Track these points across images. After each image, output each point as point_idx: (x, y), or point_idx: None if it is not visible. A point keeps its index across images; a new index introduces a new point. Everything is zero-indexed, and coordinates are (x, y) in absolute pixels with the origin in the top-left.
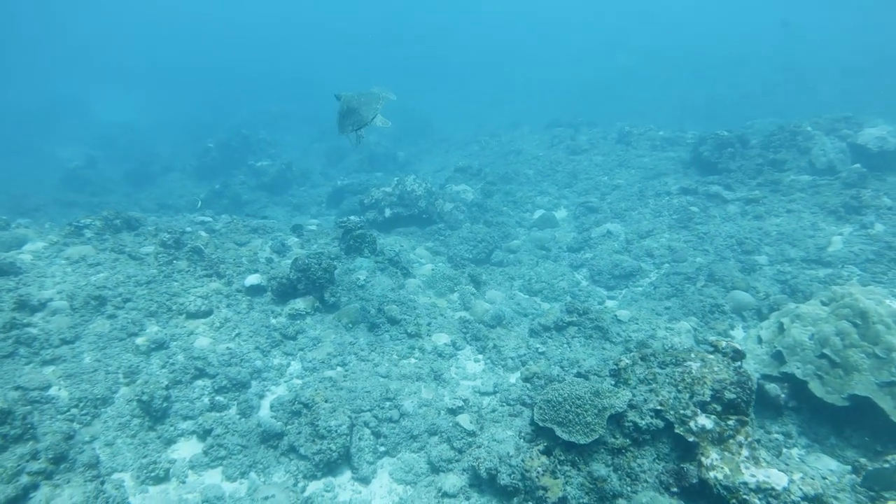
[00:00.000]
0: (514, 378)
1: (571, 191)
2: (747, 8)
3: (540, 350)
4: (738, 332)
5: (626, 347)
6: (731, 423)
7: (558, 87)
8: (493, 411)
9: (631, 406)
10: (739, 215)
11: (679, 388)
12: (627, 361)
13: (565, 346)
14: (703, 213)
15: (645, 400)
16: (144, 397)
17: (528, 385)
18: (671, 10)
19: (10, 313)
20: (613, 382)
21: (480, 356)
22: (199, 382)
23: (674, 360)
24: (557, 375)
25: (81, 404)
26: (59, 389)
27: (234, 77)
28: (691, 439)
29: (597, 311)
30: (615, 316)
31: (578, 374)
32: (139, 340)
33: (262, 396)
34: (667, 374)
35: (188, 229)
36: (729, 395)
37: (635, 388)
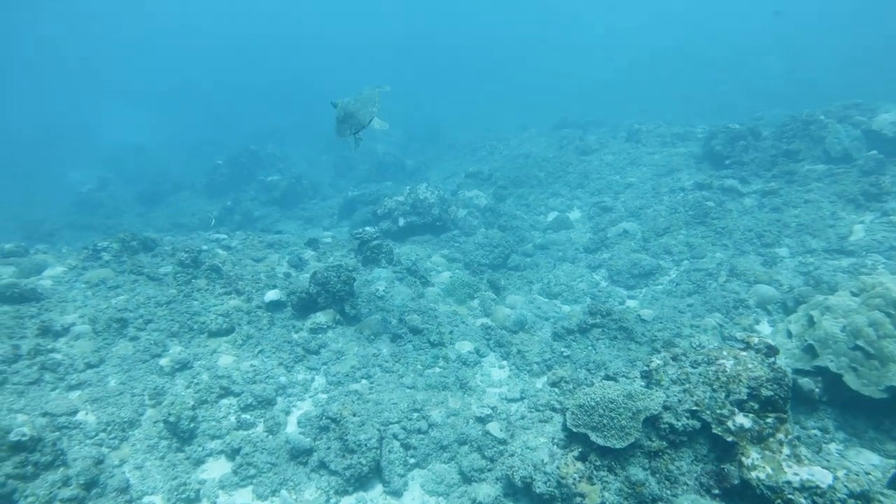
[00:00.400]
0: (540, 383)
1: (584, 191)
2: (746, 4)
3: (565, 353)
4: (763, 327)
5: (652, 347)
6: (769, 420)
7: (560, 87)
8: (523, 418)
9: (665, 407)
10: (756, 208)
11: (714, 387)
12: (658, 362)
13: (590, 348)
14: (720, 208)
15: (679, 401)
16: (171, 418)
17: (556, 390)
18: (671, 9)
19: (34, 339)
20: (644, 384)
21: (505, 362)
22: (225, 401)
23: (706, 359)
24: (585, 379)
25: (109, 428)
26: (87, 414)
27: (237, 91)
28: (730, 439)
29: (620, 312)
30: (639, 315)
31: (607, 377)
32: (163, 361)
33: (288, 413)
34: (700, 374)
35: (204, 248)
36: (766, 393)
37: (668, 388)
